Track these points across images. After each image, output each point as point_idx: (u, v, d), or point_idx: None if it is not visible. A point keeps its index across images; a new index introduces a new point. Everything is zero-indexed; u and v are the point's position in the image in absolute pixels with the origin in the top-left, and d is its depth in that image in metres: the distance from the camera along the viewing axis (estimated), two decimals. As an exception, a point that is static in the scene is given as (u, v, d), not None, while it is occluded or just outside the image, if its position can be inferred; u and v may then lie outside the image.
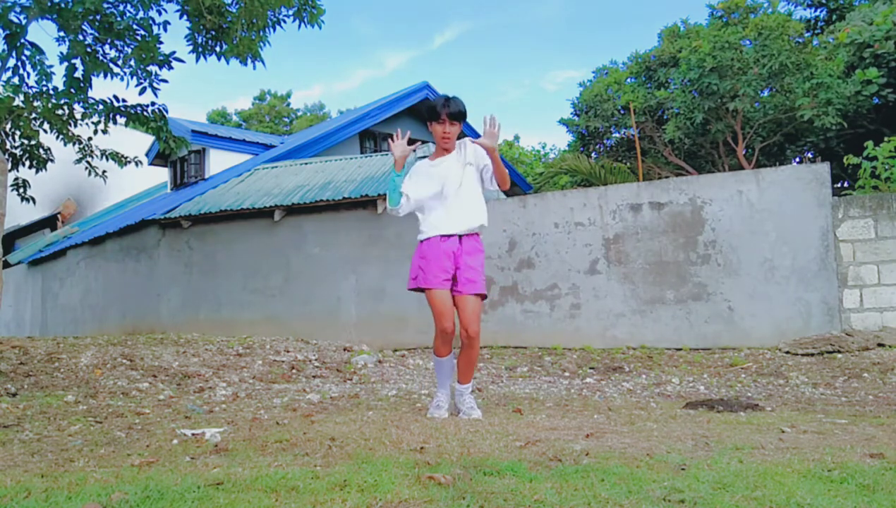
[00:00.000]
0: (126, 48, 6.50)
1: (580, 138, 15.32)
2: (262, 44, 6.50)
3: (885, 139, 7.21)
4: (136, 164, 8.07)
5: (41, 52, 6.33)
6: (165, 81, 6.74)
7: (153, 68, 6.61)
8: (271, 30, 6.51)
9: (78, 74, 6.45)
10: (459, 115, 3.60)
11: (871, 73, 9.75)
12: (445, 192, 3.57)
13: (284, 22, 6.52)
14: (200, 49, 6.63)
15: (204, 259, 9.19)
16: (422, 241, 3.62)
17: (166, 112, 7.22)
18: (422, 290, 3.60)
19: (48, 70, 6.40)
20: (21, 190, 7.79)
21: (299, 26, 6.51)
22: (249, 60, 6.55)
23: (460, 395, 3.67)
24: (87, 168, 7.96)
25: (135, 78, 6.63)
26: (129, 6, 6.37)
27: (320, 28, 6.56)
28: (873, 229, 6.29)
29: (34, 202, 7.95)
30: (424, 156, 4.07)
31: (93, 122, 7.08)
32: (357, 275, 8.18)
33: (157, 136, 7.31)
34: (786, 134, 11.99)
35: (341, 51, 67.10)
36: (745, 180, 6.74)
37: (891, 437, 2.86)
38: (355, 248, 8.25)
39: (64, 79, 6.43)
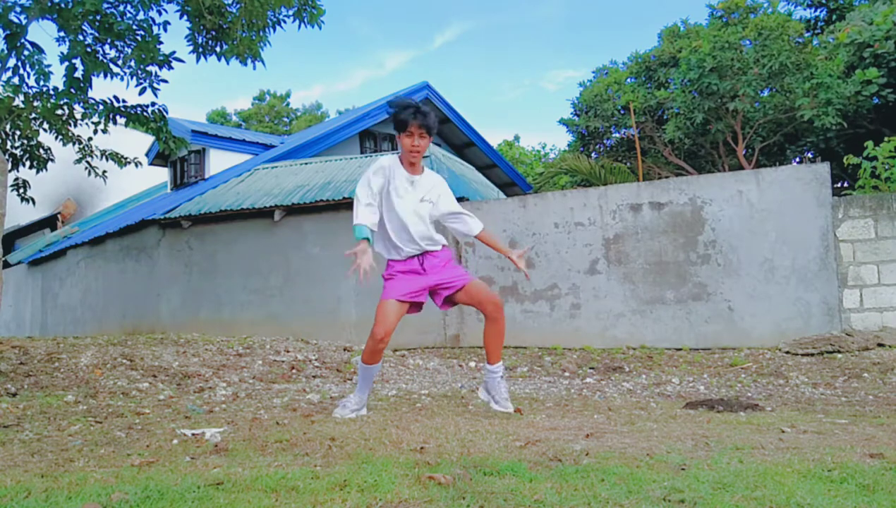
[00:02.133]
0: (126, 48, 6.50)
1: (580, 138, 15.33)
2: (262, 44, 6.50)
3: (886, 139, 7.20)
4: (136, 165, 8.07)
5: (41, 51, 6.33)
6: (165, 81, 6.74)
7: (153, 68, 6.61)
8: (271, 30, 6.51)
9: (78, 74, 6.45)
10: (430, 129, 3.39)
11: (871, 73, 9.75)
12: (399, 215, 3.43)
13: (284, 22, 6.52)
14: (201, 49, 6.63)
15: (204, 259, 9.18)
16: (388, 261, 3.57)
17: (166, 112, 7.21)
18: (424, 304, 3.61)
19: (46, 69, 6.40)
20: (21, 190, 7.79)
21: (299, 26, 6.51)
22: (249, 61, 6.55)
23: (493, 380, 3.58)
24: (86, 168, 7.96)
25: (135, 78, 6.63)
26: (129, 6, 6.37)
27: (320, 28, 6.56)
28: (873, 229, 6.29)
29: (34, 203, 7.95)
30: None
31: (93, 122, 7.08)
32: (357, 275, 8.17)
33: (157, 137, 7.31)
34: (786, 134, 12.00)
35: (341, 51, 67.15)
36: (745, 180, 6.74)
37: (891, 437, 2.86)
38: (355, 248, 8.24)
39: (64, 78, 6.43)
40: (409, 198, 3.48)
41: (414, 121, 3.34)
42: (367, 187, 3.43)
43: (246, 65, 6.59)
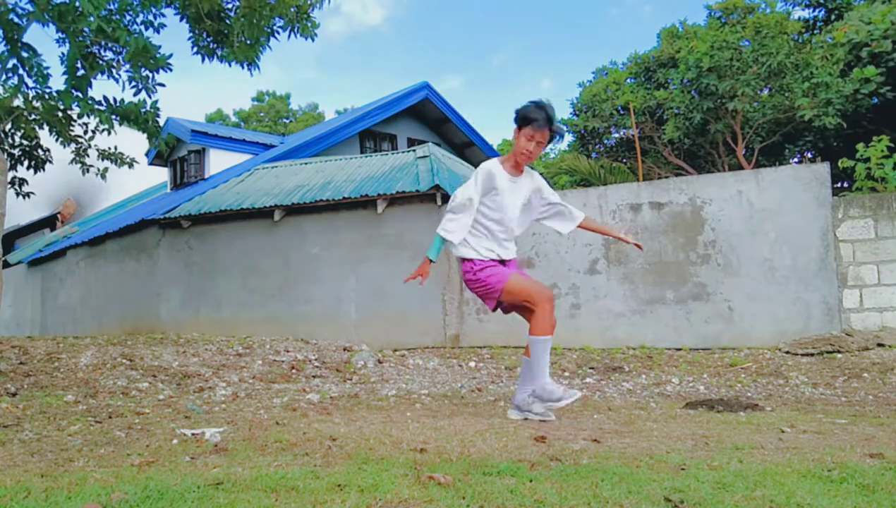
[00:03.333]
0: (123, 51, 6.48)
1: (580, 138, 15.34)
2: (261, 49, 6.52)
3: (875, 139, 7.18)
4: (130, 165, 8.03)
5: (37, 53, 6.32)
6: (162, 85, 6.73)
7: (147, 73, 6.59)
8: (266, 40, 6.53)
9: (79, 74, 6.43)
10: (548, 142, 3.39)
11: (870, 71, 9.74)
12: (507, 220, 3.50)
13: (278, 33, 6.54)
14: (203, 52, 6.65)
15: (204, 259, 9.18)
16: (473, 260, 3.50)
17: (159, 115, 7.13)
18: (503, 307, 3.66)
19: (45, 71, 6.37)
20: (18, 187, 7.80)
21: (289, 36, 6.53)
22: (246, 66, 6.58)
23: (540, 388, 3.60)
24: (81, 167, 7.92)
25: (131, 81, 6.61)
26: (128, 14, 6.34)
27: (313, 40, 6.58)
28: (873, 229, 6.29)
29: (29, 197, 7.95)
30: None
31: (95, 128, 7.08)
32: (357, 275, 8.18)
33: (150, 137, 7.23)
34: (785, 134, 12.00)
35: (341, 52, 67.18)
36: (745, 180, 6.74)
37: (891, 437, 2.87)
38: (355, 248, 8.24)
39: (65, 76, 6.42)
40: (513, 198, 3.48)
41: (541, 128, 3.30)
42: (474, 191, 3.43)
43: (243, 68, 6.61)
